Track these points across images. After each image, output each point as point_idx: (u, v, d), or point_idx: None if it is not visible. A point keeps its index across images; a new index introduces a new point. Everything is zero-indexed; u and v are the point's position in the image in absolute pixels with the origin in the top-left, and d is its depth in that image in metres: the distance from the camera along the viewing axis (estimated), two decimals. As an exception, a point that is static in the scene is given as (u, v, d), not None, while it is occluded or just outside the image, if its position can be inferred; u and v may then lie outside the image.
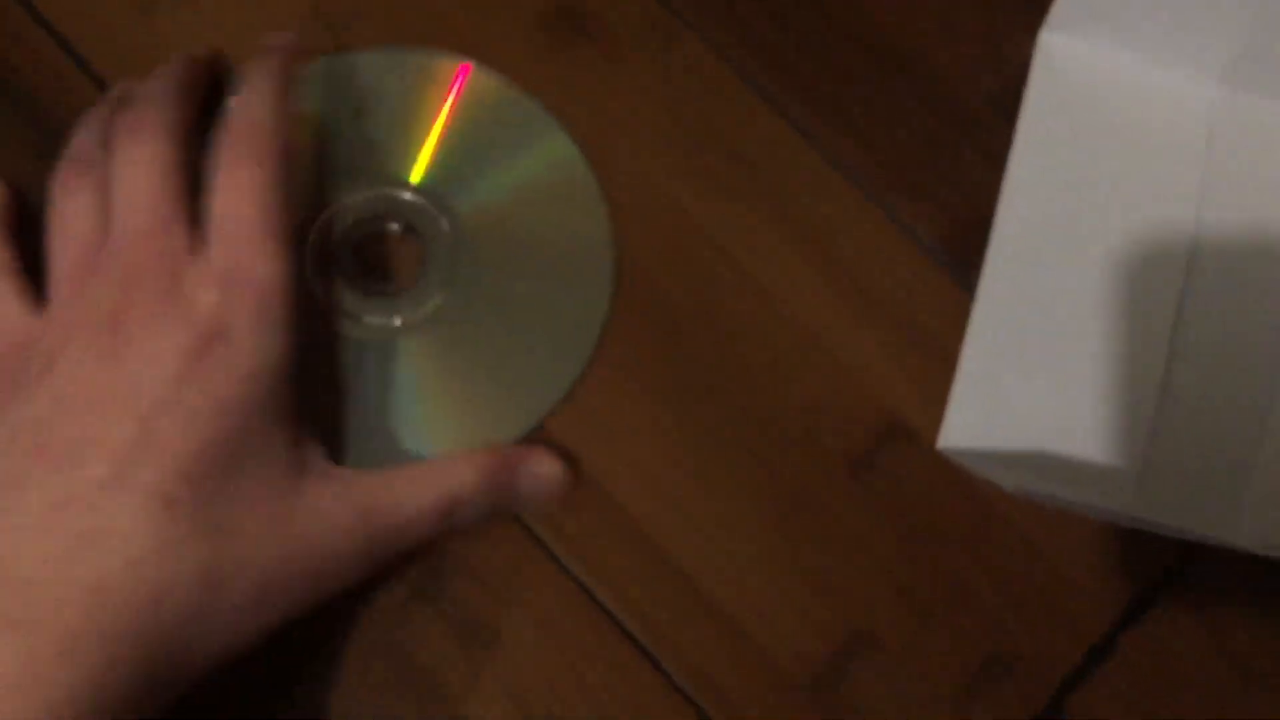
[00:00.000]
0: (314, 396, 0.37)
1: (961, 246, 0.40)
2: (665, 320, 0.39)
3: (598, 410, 0.38)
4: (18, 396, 0.33)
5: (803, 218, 0.40)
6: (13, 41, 0.41)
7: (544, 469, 0.37)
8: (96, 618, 0.30)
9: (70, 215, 0.35)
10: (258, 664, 0.34)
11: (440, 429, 0.38)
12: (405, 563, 0.37)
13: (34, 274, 0.36)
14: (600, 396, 0.39)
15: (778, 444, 0.38)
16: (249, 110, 0.36)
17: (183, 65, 0.39)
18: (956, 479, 0.38)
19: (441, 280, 0.39)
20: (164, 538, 0.31)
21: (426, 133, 0.40)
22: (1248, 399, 0.38)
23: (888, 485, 0.38)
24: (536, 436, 0.38)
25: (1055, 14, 0.40)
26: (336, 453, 0.37)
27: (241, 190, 0.34)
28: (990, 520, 0.38)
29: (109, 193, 0.35)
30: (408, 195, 0.40)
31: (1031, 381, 0.38)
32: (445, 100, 0.40)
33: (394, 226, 0.40)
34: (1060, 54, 0.41)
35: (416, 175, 0.40)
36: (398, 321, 0.38)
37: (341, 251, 0.39)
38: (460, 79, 0.41)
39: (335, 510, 0.34)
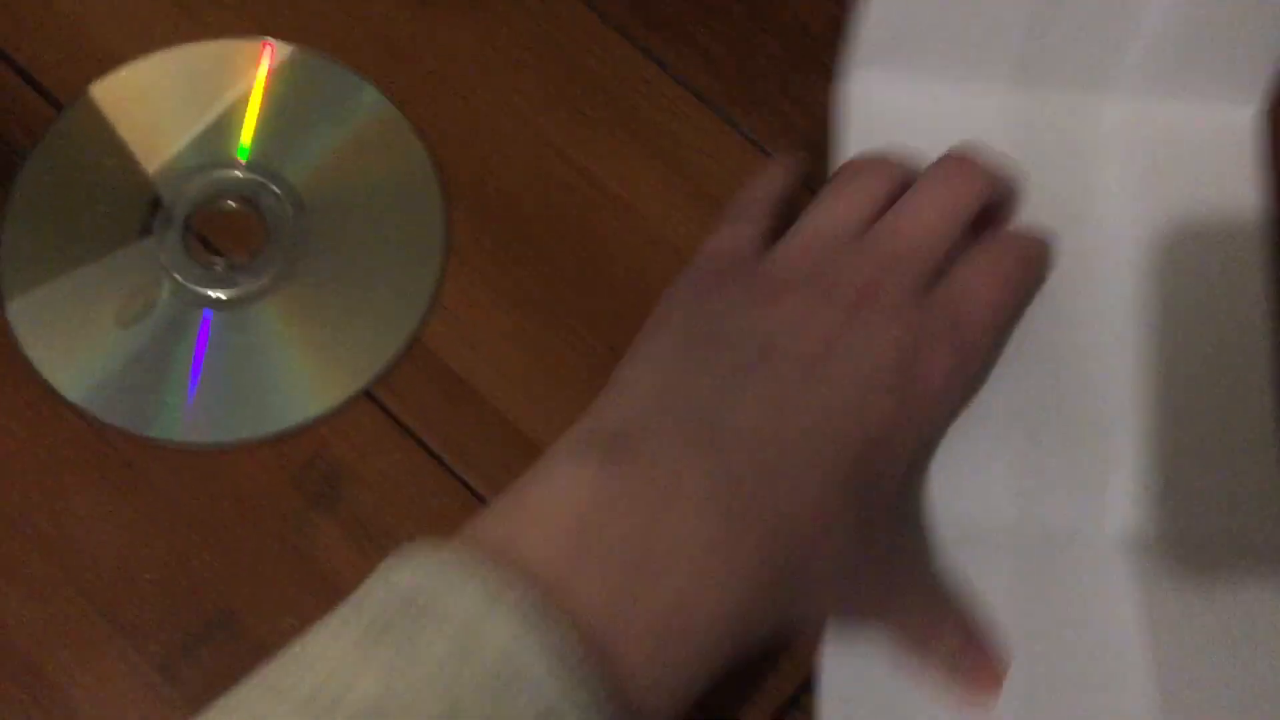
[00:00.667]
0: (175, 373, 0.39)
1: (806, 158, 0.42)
2: (518, 236, 0.42)
3: (464, 322, 0.40)
4: (729, 293, 0.35)
5: (656, 137, 0.43)
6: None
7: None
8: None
9: (851, 193, 0.37)
10: (174, 562, 0.36)
11: (307, 382, 0.40)
12: (302, 473, 0.39)
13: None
14: (468, 310, 0.41)
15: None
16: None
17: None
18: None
19: (283, 244, 0.41)
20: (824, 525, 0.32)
21: (245, 111, 0.42)
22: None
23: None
24: (406, 355, 0.40)
25: (847, 62, 0.41)
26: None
27: (999, 278, 0.37)
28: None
29: (900, 200, 0.37)
30: (239, 172, 0.42)
31: None
32: (255, 79, 0.43)
33: (231, 203, 0.42)
34: (858, 99, 0.41)
35: (243, 152, 0.42)
36: (248, 288, 0.40)
37: (186, 232, 0.41)
38: (267, 54, 0.43)
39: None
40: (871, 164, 0.38)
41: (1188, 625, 0.35)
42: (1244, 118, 0.41)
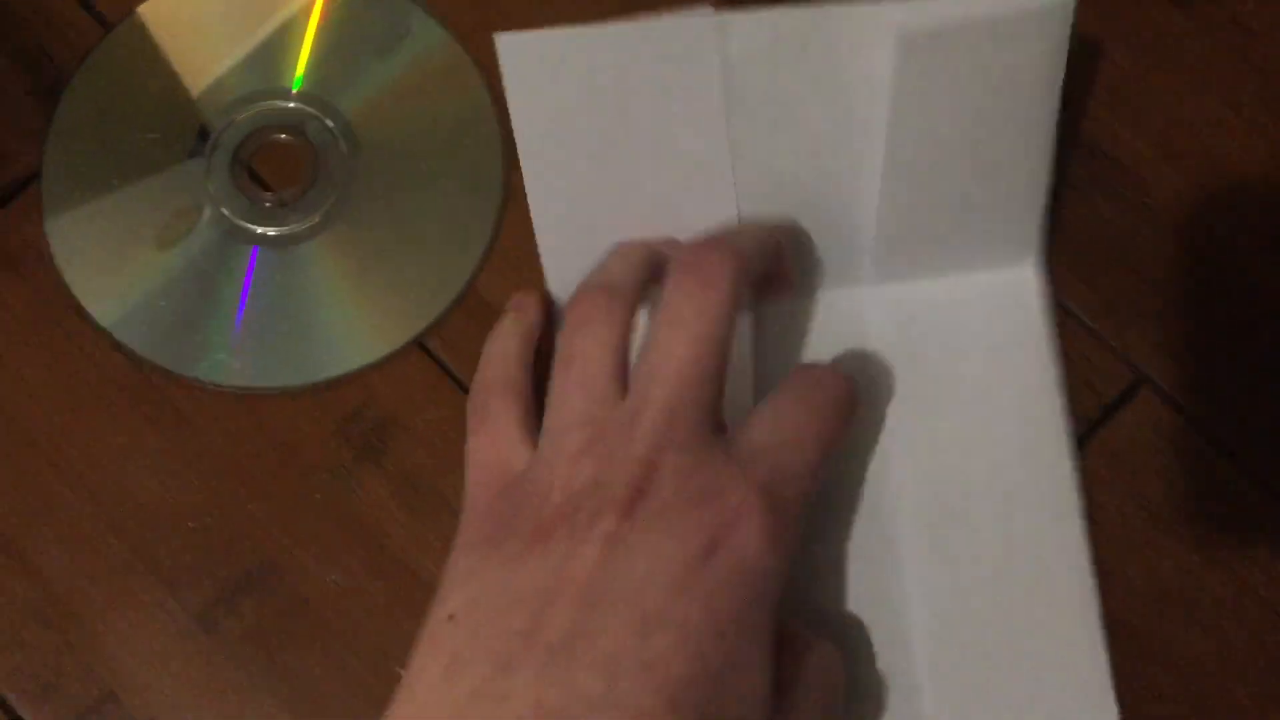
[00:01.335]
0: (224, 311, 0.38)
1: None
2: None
3: (522, 270, 0.39)
4: (506, 547, 0.30)
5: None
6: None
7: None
8: None
9: (585, 355, 0.32)
10: (215, 514, 0.35)
11: (357, 329, 0.38)
12: (348, 424, 0.38)
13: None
14: (527, 258, 0.38)
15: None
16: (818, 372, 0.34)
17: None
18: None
19: (335, 181, 0.39)
20: None
21: (301, 40, 0.40)
22: None
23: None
24: (460, 303, 0.39)
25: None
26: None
27: (806, 408, 0.32)
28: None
29: (645, 346, 0.32)
30: (290, 103, 0.40)
31: None
32: (311, 6, 0.41)
33: (282, 135, 0.40)
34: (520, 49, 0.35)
35: (296, 82, 0.40)
36: (297, 226, 0.39)
37: (234, 164, 0.39)
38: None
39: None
40: (593, 302, 0.33)
41: None
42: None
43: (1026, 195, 0.37)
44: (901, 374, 0.38)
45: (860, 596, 0.36)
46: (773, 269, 0.36)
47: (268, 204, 0.39)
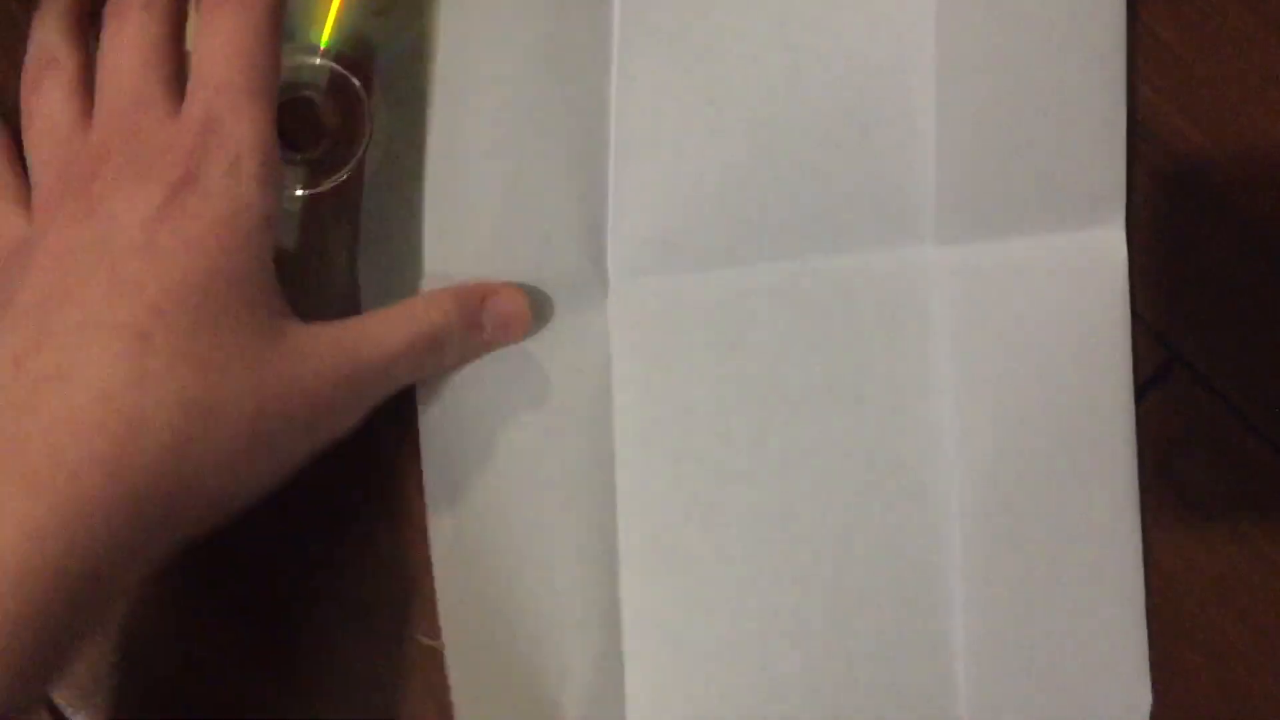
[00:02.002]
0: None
1: None
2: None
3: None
4: (8, 290, 0.32)
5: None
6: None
7: (509, 305, 0.36)
8: (62, 449, 0.29)
9: (45, 114, 0.34)
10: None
11: (396, 277, 0.37)
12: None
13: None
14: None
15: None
16: None
17: None
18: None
19: (363, 144, 0.38)
20: (139, 370, 0.30)
21: None
22: None
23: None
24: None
25: None
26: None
27: (223, 41, 0.33)
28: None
29: (97, 81, 0.34)
30: (317, 59, 0.39)
31: None
32: None
33: (308, 94, 0.39)
34: None
35: (325, 39, 0.39)
36: (324, 188, 0.38)
37: None
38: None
39: (320, 353, 0.33)
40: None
41: None
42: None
43: (1106, 138, 0.35)
44: (962, 343, 0.36)
45: (902, 564, 0.36)
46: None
47: (293, 164, 0.38)
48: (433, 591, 0.36)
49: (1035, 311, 0.36)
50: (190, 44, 0.34)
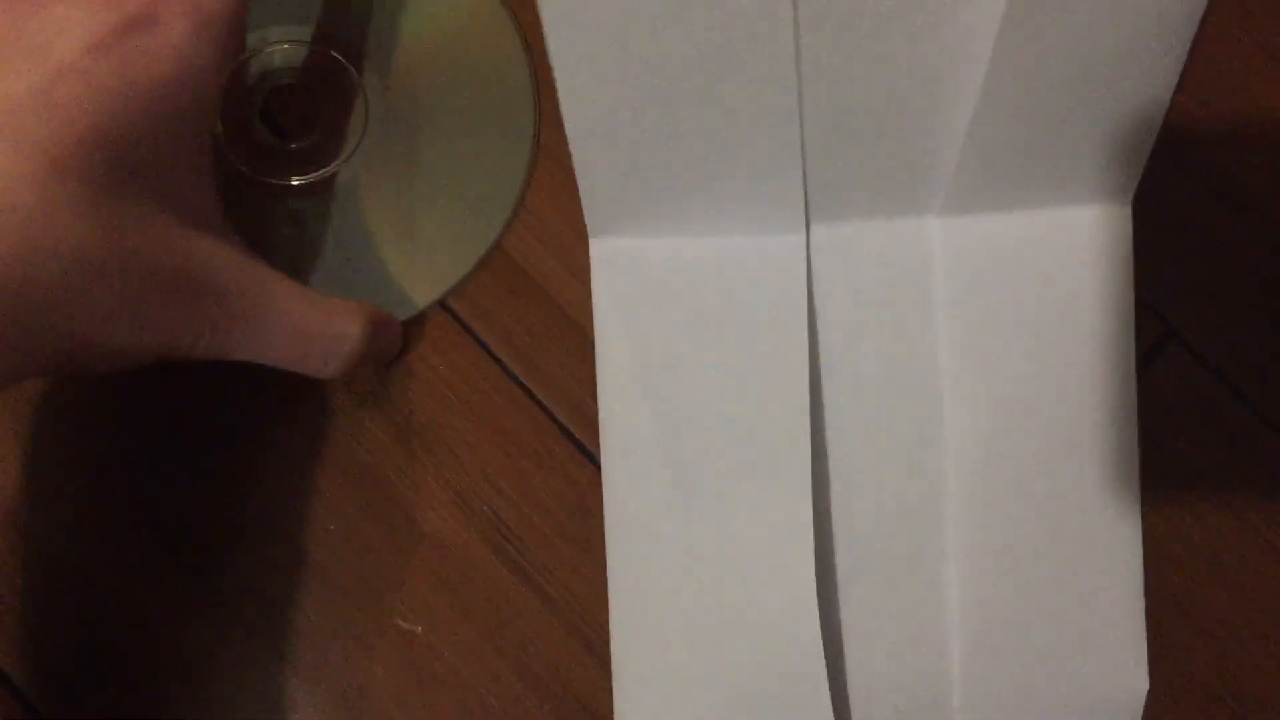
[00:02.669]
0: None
1: None
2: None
3: (548, 226, 0.38)
4: None
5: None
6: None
7: (395, 332, 0.36)
8: None
9: None
10: (212, 460, 0.35)
11: (384, 284, 0.38)
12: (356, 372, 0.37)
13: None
14: (553, 215, 0.38)
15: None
16: None
17: None
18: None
19: (358, 130, 0.38)
20: (46, 196, 0.27)
21: None
22: None
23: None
24: (493, 258, 0.38)
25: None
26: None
27: None
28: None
29: None
30: (314, 45, 0.39)
31: None
32: None
33: (304, 80, 0.39)
34: None
35: (319, 24, 0.39)
36: (319, 174, 0.38)
37: (250, 109, 0.38)
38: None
39: (235, 258, 0.31)
40: None
41: None
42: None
43: (1140, 128, 0.35)
44: (963, 311, 0.36)
45: (897, 543, 0.35)
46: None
47: (284, 152, 0.38)
48: (411, 577, 0.36)
49: (1036, 284, 0.36)
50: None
